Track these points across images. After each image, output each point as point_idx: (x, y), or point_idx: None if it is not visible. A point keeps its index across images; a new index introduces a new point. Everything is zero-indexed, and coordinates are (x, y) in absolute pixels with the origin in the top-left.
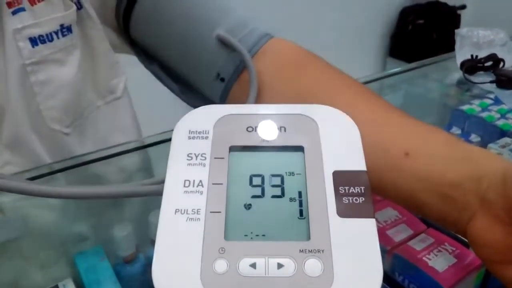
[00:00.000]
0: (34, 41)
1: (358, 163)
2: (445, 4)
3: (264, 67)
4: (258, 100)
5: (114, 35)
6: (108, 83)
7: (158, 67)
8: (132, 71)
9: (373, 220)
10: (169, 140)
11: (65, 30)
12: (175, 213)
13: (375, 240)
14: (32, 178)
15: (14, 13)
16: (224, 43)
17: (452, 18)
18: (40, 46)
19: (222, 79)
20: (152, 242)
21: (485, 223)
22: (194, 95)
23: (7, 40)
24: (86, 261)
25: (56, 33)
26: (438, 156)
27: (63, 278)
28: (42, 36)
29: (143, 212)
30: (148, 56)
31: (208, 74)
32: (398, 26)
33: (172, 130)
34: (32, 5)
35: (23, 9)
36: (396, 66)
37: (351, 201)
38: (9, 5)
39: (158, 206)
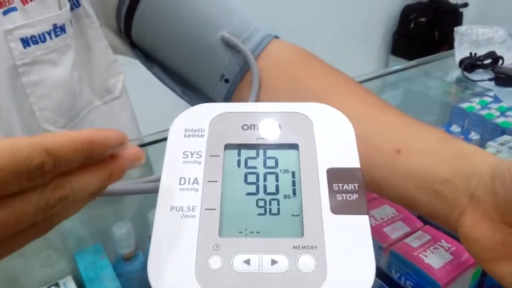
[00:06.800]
0: (26, 41)
1: (352, 160)
2: (448, 2)
3: (264, 66)
4: (257, 97)
5: (114, 37)
6: (105, 83)
7: (159, 69)
8: (131, 70)
9: (367, 216)
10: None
11: (58, 30)
12: (171, 210)
13: (368, 236)
14: None
15: (5, 13)
16: (228, 45)
17: (454, 16)
18: (32, 47)
19: (227, 80)
20: None
21: (475, 220)
22: (197, 96)
23: None
24: (86, 259)
25: (49, 33)
26: (430, 153)
27: (64, 276)
28: (34, 36)
29: (142, 210)
30: (149, 59)
31: (212, 75)
32: (400, 24)
33: None
34: (24, 4)
35: (14, 9)
36: (398, 64)
37: (344, 198)
38: (0, 5)
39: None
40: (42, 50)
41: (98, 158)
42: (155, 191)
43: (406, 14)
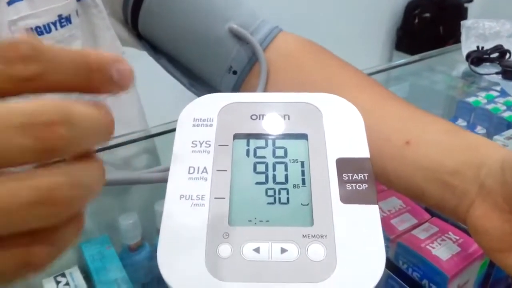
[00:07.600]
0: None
1: (361, 150)
2: None
3: (271, 58)
4: (264, 89)
5: (121, 28)
6: None
7: (167, 60)
8: (138, 62)
9: (376, 206)
10: (175, 129)
11: (63, 20)
12: (180, 199)
13: (378, 226)
14: None
15: (9, 3)
16: (236, 36)
17: (459, 11)
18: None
19: (235, 72)
20: (158, 231)
21: (484, 211)
22: (204, 88)
23: (2, 32)
24: (92, 249)
25: (54, 24)
26: (438, 144)
27: (70, 266)
28: (39, 27)
29: (149, 201)
30: (156, 50)
31: (220, 67)
32: (404, 20)
33: None
34: None
35: None
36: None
37: (354, 188)
38: None
39: (164, 195)
40: (47, 41)
41: (97, 83)
42: (163, 180)
43: (410, 9)
